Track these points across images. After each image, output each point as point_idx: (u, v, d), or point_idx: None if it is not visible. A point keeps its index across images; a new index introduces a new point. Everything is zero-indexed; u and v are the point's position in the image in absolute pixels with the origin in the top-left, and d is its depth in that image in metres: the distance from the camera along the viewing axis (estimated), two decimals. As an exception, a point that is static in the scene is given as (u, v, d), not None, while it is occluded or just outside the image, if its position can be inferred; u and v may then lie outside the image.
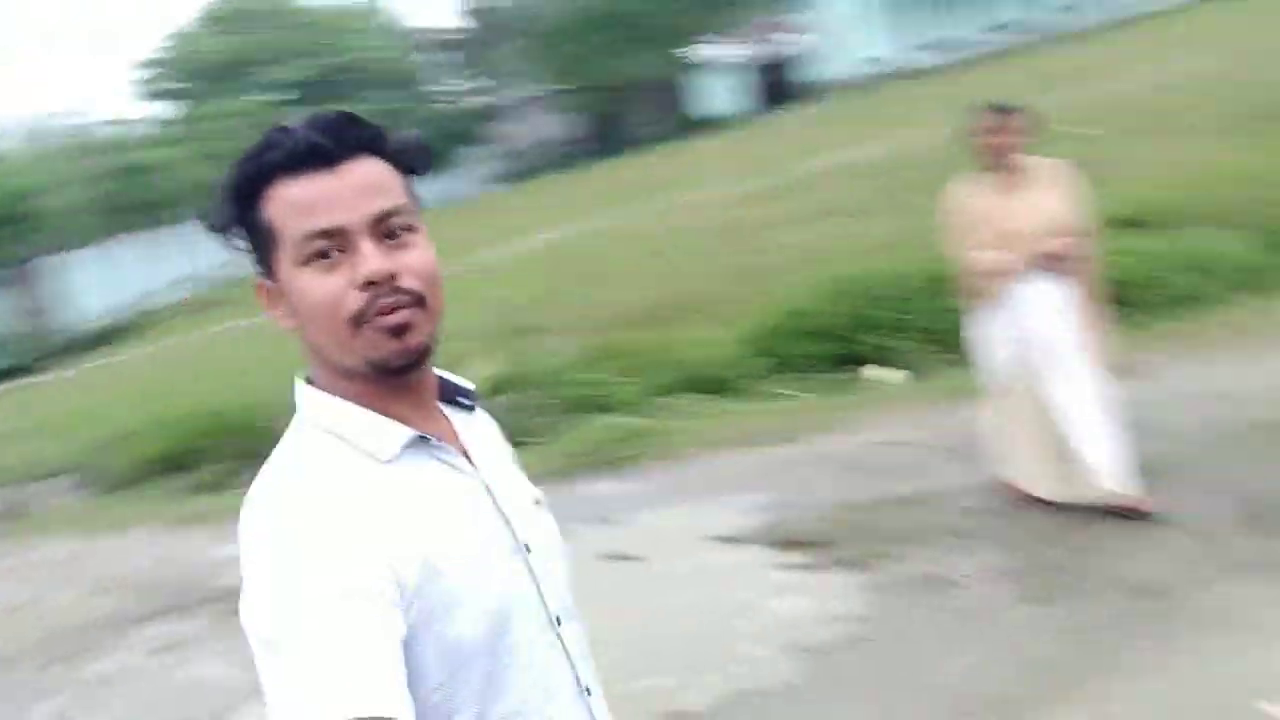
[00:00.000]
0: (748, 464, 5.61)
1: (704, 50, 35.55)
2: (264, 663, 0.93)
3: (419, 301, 1.06)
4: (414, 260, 1.06)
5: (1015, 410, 4.04)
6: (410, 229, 1.08)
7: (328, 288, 1.03)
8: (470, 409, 1.24)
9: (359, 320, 1.03)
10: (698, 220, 13.08)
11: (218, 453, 8.43)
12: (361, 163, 1.05)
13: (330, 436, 1.07)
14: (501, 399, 7.10)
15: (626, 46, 32.68)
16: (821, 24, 33.37)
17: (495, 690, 1.07)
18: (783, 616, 3.88)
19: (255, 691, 0.97)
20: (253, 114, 33.01)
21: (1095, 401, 3.87)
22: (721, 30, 35.40)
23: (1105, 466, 3.81)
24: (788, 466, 5.42)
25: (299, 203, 1.03)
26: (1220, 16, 20.40)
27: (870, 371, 6.69)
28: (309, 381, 1.13)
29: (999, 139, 3.84)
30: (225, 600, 5.05)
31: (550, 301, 10.44)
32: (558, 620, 1.17)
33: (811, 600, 3.96)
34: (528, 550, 1.15)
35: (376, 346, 1.04)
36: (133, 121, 33.12)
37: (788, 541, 4.49)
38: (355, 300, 1.03)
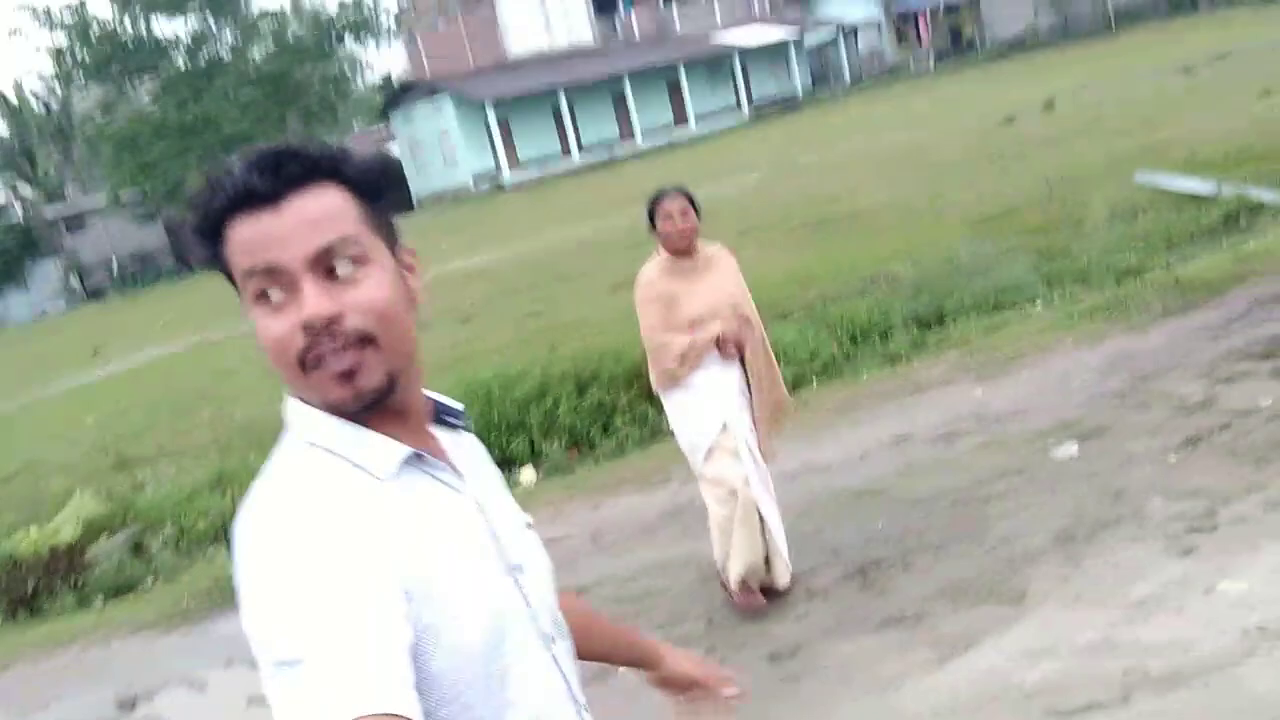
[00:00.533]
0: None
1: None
2: (270, 672, 0.90)
3: (366, 341, 1.01)
4: (361, 297, 1.01)
5: (716, 495, 4.02)
6: (360, 261, 1.02)
7: (274, 329, 1.00)
8: (457, 428, 1.21)
9: (303, 363, 1.00)
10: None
11: None
12: (308, 196, 1.01)
13: (325, 453, 1.03)
14: (95, 544, 6.29)
15: (219, 151, 31.22)
16: (433, 136, 34.04)
17: (496, 707, 1.05)
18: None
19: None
20: None
21: (767, 484, 4.03)
22: (324, 137, 34.97)
23: (780, 550, 4.04)
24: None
25: (242, 243, 1.00)
26: (759, 140, 23.45)
27: (525, 474, 6.68)
28: (300, 399, 1.07)
29: (685, 223, 3.85)
30: None
31: (142, 431, 9.53)
32: (551, 639, 1.17)
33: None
34: (520, 570, 1.14)
35: (326, 391, 1.01)
36: None
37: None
38: (299, 342, 0.99)
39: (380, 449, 1.05)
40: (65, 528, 6.44)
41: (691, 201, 3.88)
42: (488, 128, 32.23)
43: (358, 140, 37.27)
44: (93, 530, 6.50)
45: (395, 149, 36.23)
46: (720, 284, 3.94)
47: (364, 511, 0.99)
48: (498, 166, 32.57)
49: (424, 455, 1.08)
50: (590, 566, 4.90)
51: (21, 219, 34.23)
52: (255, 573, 0.94)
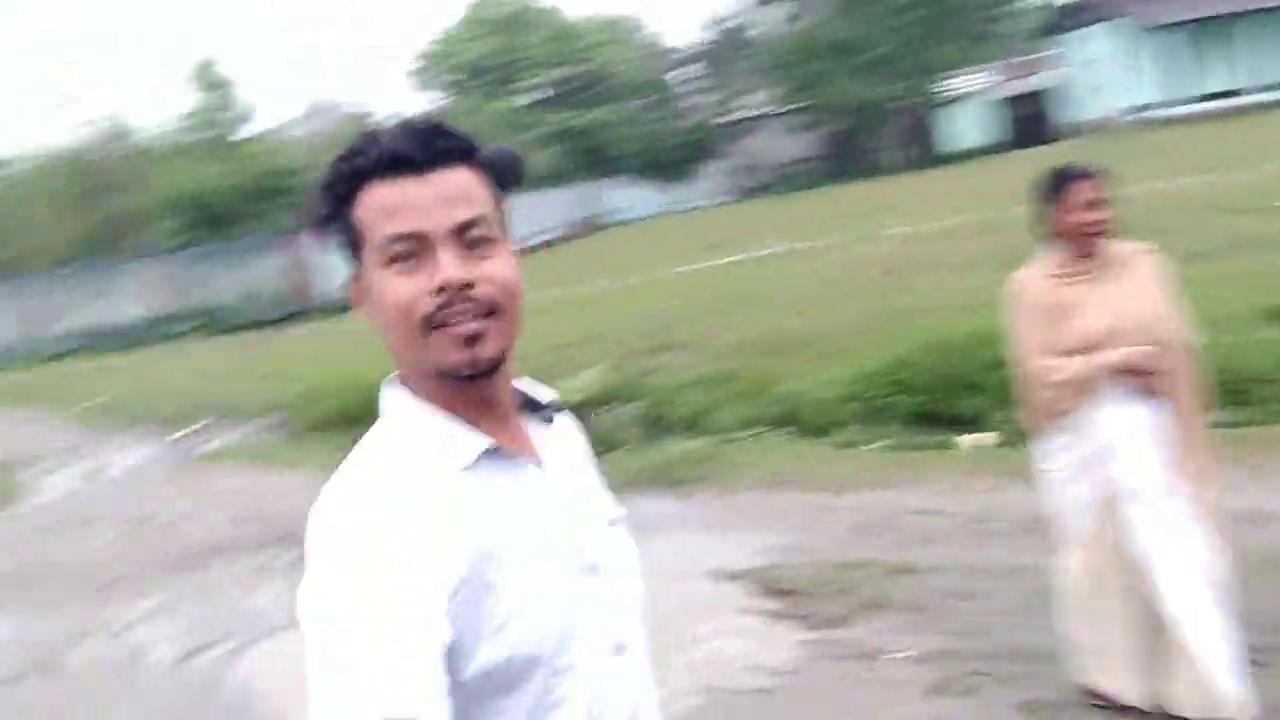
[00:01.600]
0: (786, 505, 5.75)
1: (957, 82, 34.66)
2: (310, 651, 0.94)
3: (492, 311, 1.07)
4: (492, 270, 1.07)
5: (1095, 576, 3.09)
6: (491, 240, 1.09)
7: (404, 290, 1.05)
8: (550, 421, 1.22)
9: (429, 324, 1.05)
10: (876, 253, 13.05)
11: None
12: (450, 172, 1.07)
13: (409, 439, 1.09)
14: (601, 409, 7.56)
15: (868, 72, 32.41)
16: (1082, 65, 31.74)
17: (545, 709, 1.05)
18: (718, 656, 4.08)
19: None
20: (504, 116, 35.33)
21: (1201, 572, 2.96)
22: (976, 64, 34.40)
23: (1213, 669, 2.90)
24: (819, 514, 5.53)
25: (385, 206, 1.05)
26: None
27: (967, 437, 6.58)
28: (396, 381, 1.15)
29: (1098, 215, 3.01)
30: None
31: (694, 321, 10.80)
32: (619, 648, 1.14)
33: (753, 645, 4.12)
34: (595, 571, 1.13)
35: (445, 353, 1.05)
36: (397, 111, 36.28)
37: (773, 588, 4.64)
38: (428, 304, 1.04)
39: (461, 439, 1.08)
40: (579, 390, 7.84)
41: (1105, 186, 3.04)
42: (1148, 56, 28.96)
43: (1011, 69, 35.82)
44: (602, 398, 7.82)
45: (1048, 78, 34.31)
46: (1132, 295, 3.02)
47: (430, 504, 1.02)
48: (1150, 100, 29.15)
49: (502, 449, 1.10)
50: (948, 547, 4.78)
51: (698, 124, 39.26)
52: (316, 554, 0.99)
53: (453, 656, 0.96)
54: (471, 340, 1.05)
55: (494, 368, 1.08)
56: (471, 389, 1.09)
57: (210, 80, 30.32)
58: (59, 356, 21.50)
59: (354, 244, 1.09)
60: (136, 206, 25.72)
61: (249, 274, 23.05)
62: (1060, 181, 3.05)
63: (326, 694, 0.90)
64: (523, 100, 37.87)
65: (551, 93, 38.22)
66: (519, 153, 1.18)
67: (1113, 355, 2.96)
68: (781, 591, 4.59)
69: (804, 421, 7.19)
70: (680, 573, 4.98)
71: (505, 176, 1.14)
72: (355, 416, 9.48)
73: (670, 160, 37.34)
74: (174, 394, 12.79)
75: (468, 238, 1.06)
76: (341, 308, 22.58)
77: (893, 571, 4.61)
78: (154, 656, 4.91)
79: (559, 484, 1.15)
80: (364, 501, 1.01)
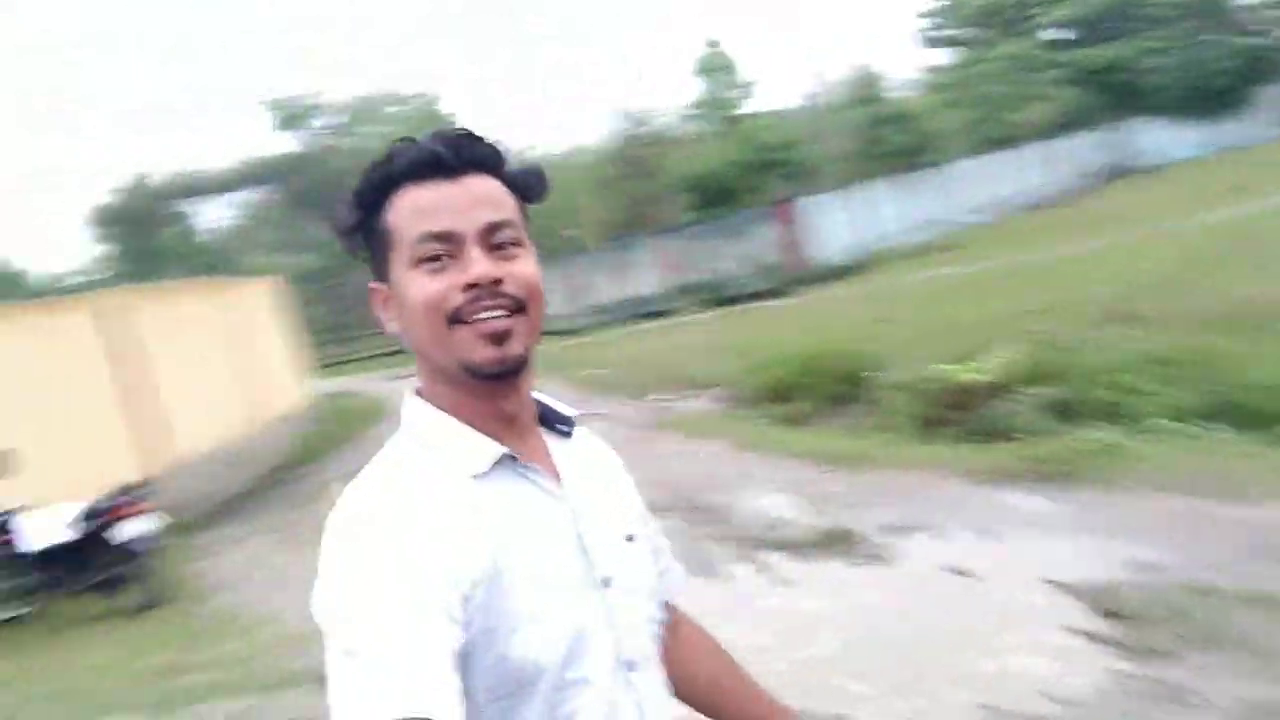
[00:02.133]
0: (1173, 512, 5.01)
1: None
2: (328, 652, 0.95)
3: (520, 309, 1.09)
4: (519, 270, 1.10)
5: None
6: (518, 243, 1.12)
7: (433, 287, 1.07)
8: (568, 436, 1.24)
9: (457, 318, 1.07)
10: None
11: (811, 391, 9.70)
12: (479, 178, 1.11)
13: (423, 447, 1.10)
14: (1005, 393, 7.09)
15: None
16: None
17: None
18: (1011, 673, 3.79)
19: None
20: (1024, 57, 33.11)
21: None
22: None
23: None
24: (1209, 526, 4.76)
25: (418, 207, 1.08)
26: None
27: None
28: (417, 393, 1.17)
29: None
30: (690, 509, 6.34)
31: (1169, 285, 9.50)
32: (631, 664, 1.14)
33: (1055, 668, 3.76)
34: (608, 585, 1.13)
35: (472, 349, 1.07)
36: (907, 73, 35.73)
37: (1104, 607, 4.16)
38: (457, 299, 1.06)
39: (476, 447, 1.09)
40: (986, 369, 7.39)
41: None
42: None
43: None
44: (1012, 380, 7.30)
45: None
46: None
47: (441, 514, 1.03)
48: None
49: (517, 457, 1.11)
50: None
51: (1256, 44, 33.42)
52: (332, 556, 1.00)
53: (463, 661, 0.98)
54: (500, 337, 1.07)
55: (520, 366, 1.10)
56: (493, 396, 1.11)
57: (714, 64, 32.55)
58: (586, 329, 24.89)
59: (382, 249, 1.12)
60: (657, 189, 28.59)
61: (747, 245, 24.56)
62: None
63: (342, 693, 0.91)
64: (1039, 39, 35.27)
65: (1073, 31, 35.08)
66: (542, 168, 1.19)
67: None
68: (1111, 612, 4.10)
69: (1245, 414, 6.12)
70: (1010, 577, 4.66)
71: (530, 190, 1.17)
72: (787, 390, 9.93)
73: (1216, 90, 32.33)
74: (656, 364, 14.25)
75: (496, 239, 1.09)
76: (832, 274, 23.47)
77: (1247, 601, 3.88)
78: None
79: (574, 497, 1.15)
80: (378, 506, 1.03)
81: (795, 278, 23.31)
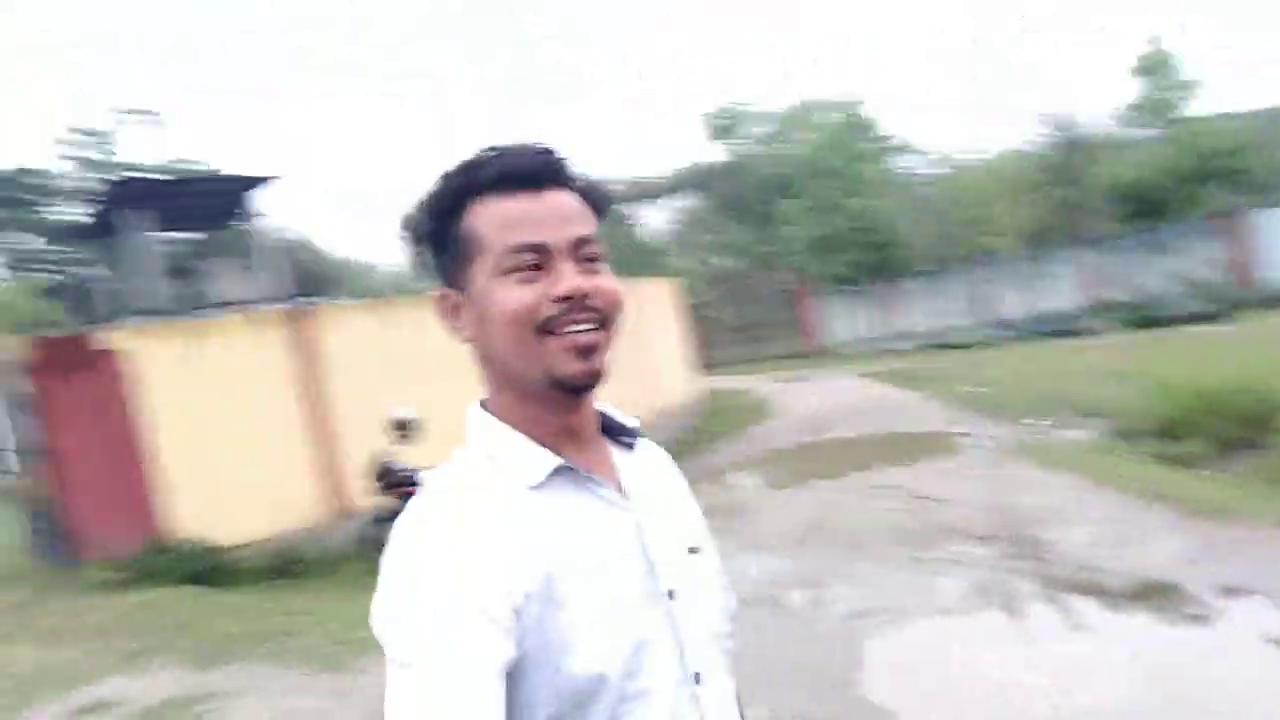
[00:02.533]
0: None
1: None
2: (389, 666, 0.98)
3: (605, 323, 1.10)
4: (604, 285, 1.11)
5: None
6: (602, 258, 1.13)
7: (523, 297, 1.07)
8: (630, 447, 1.23)
9: (547, 329, 1.07)
10: None
11: (1206, 430, 8.80)
12: (560, 192, 1.12)
13: (485, 458, 1.10)
14: None
15: None
16: None
17: None
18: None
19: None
20: None
21: None
22: None
23: None
24: None
25: (509, 218, 1.08)
26: None
27: None
28: (482, 405, 1.17)
29: None
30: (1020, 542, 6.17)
31: None
32: (696, 677, 1.13)
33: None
34: (670, 597, 1.12)
35: (560, 361, 1.07)
36: None
37: None
38: (549, 309, 1.07)
39: (533, 458, 1.09)
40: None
41: None
42: None
43: None
44: None
45: None
46: None
47: (498, 527, 1.03)
48: None
49: (576, 469, 1.11)
50: None
51: None
52: (390, 568, 1.02)
53: (519, 673, 0.99)
54: (588, 350, 1.08)
55: (598, 381, 1.11)
56: (561, 409, 1.12)
57: (1154, 63, 29.38)
58: (986, 342, 23.78)
59: (460, 257, 1.12)
60: (1082, 197, 26.58)
61: (1179, 262, 22.10)
62: None
63: (394, 704, 0.95)
64: None
65: None
66: (606, 186, 1.20)
67: None
68: None
69: None
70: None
71: (600, 206, 1.17)
72: (1178, 428, 9.02)
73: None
74: (1046, 386, 13.47)
75: (583, 253, 1.11)
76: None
77: None
78: (823, 610, 5.87)
79: (638, 508, 1.15)
80: (433, 519, 1.04)
81: (1237, 300, 20.60)
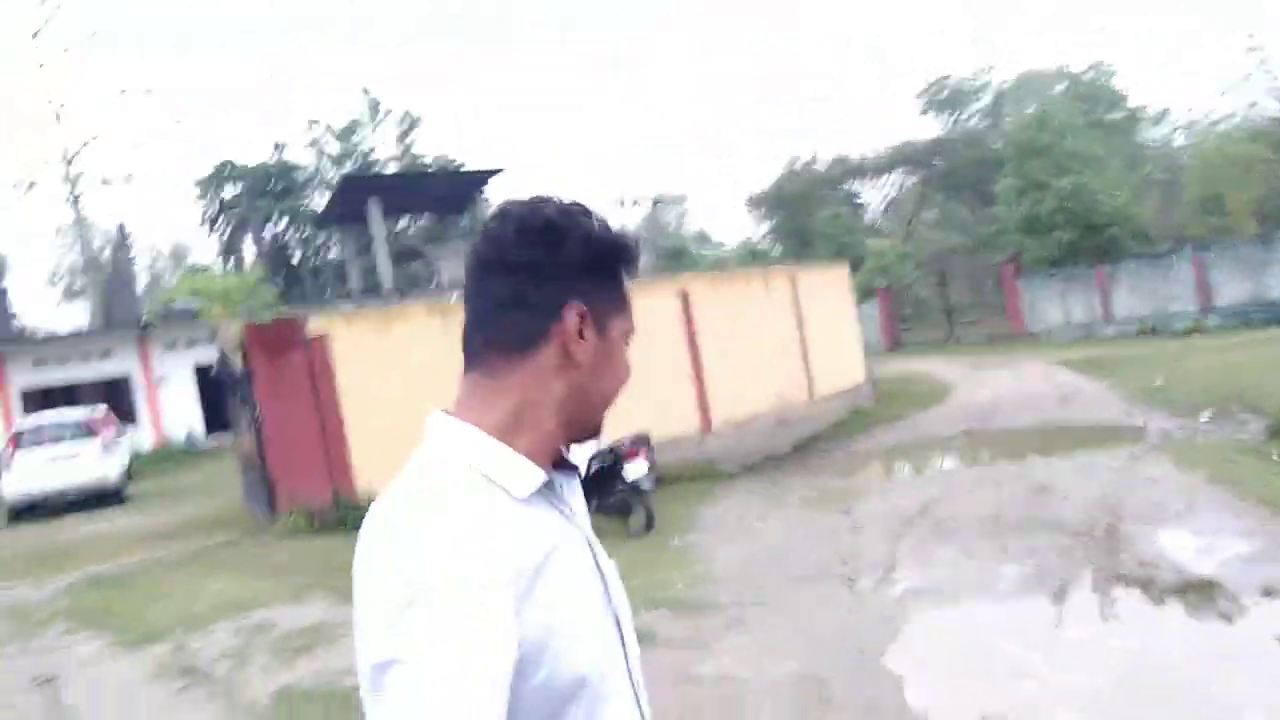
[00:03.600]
0: None
1: None
2: (368, 675, 0.96)
3: None
4: None
5: None
6: None
7: (629, 366, 1.25)
8: (574, 471, 1.29)
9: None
10: None
11: None
12: None
13: (468, 468, 1.11)
14: None
15: None
16: None
17: None
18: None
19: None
20: None
21: None
22: None
23: None
24: None
25: (633, 302, 1.26)
26: None
27: None
28: (447, 414, 1.19)
29: None
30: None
31: None
32: (638, 686, 1.20)
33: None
34: (618, 620, 1.19)
35: (606, 414, 1.25)
36: None
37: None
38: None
39: (522, 471, 1.13)
40: None
41: None
42: None
43: None
44: None
45: None
46: None
47: (496, 528, 1.05)
48: None
49: (555, 484, 1.17)
50: None
51: None
52: (388, 573, 1.00)
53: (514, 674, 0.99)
54: None
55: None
56: (565, 446, 1.23)
57: None
58: (1192, 330, 22.30)
59: (612, 303, 1.21)
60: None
61: None
62: None
63: (400, 708, 0.92)
64: None
65: None
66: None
67: None
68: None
69: None
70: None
71: None
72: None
73: None
74: (1234, 382, 12.81)
75: None
76: None
77: None
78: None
79: (584, 528, 1.22)
80: (430, 524, 1.03)
81: None
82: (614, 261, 1.20)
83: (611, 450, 9.03)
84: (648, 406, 11.98)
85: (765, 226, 57.17)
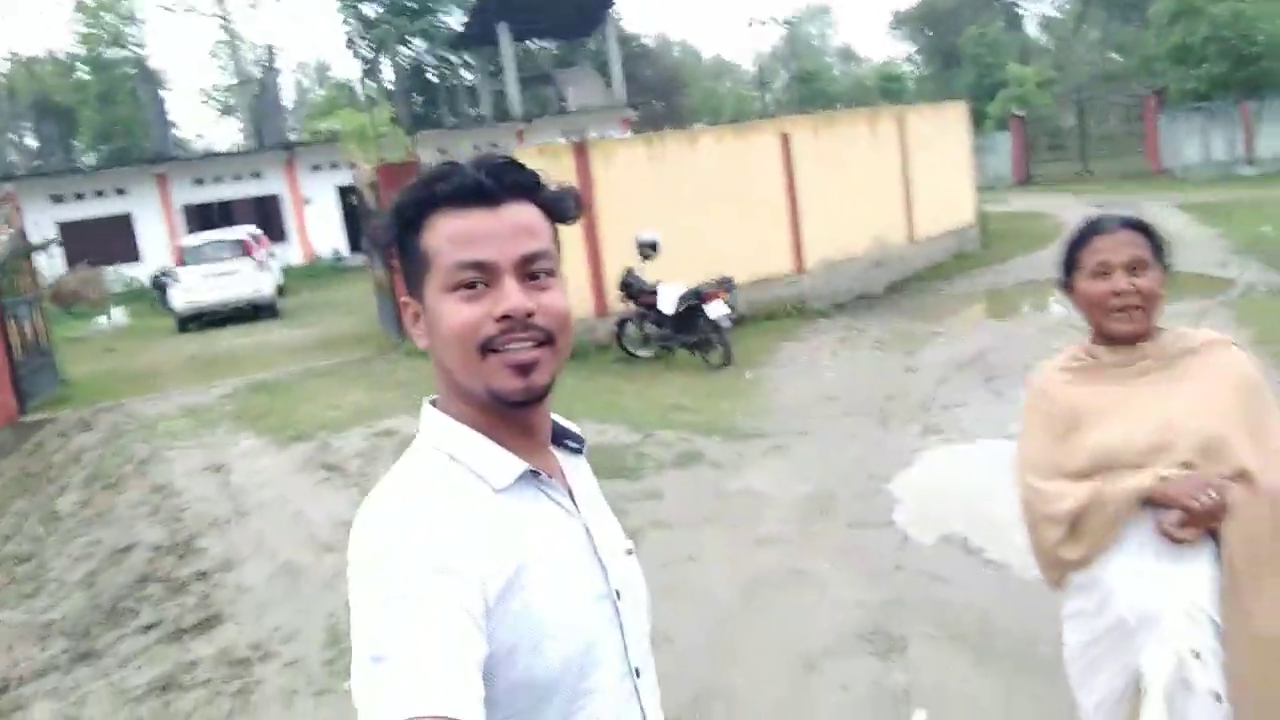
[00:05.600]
0: None
1: None
2: (359, 662, 0.96)
3: (549, 341, 1.13)
4: (551, 302, 1.13)
5: None
6: (551, 273, 1.15)
7: (466, 315, 1.10)
8: (578, 452, 1.28)
9: (488, 348, 1.10)
10: None
11: None
12: (519, 206, 1.14)
13: (448, 459, 1.13)
14: None
15: None
16: None
17: None
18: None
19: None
20: None
21: None
22: None
23: None
24: None
25: (458, 234, 1.11)
26: None
27: None
28: (434, 404, 1.20)
29: (1136, 283, 2.10)
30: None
31: None
32: (637, 672, 1.19)
33: None
34: (618, 597, 1.18)
35: (500, 378, 1.11)
36: None
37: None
38: (490, 329, 1.10)
39: (500, 462, 1.13)
40: None
41: (1154, 243, 2.14)
42: None
43: None
44: None
45: None
46: (1197, 397, 2.06)
47: (469, 524, 1.05)
48: None
49: (540, 473, 1.15)
50: None
51: None
52: (363, 567, 1.03)
53: (485, 672, 0.99)
54: (526, 368, 1.11)
55: (543, 395, 1.15)
56: (514, 415, 1.15)
57: None
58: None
59: (417, 269, 1.15)
60: None
61: None
62: (1083, 237, 2.17)
63: (371, 695, 0.93)
64: None
65: None
66: (577, 192, 1.22)
67: (1144, 479, 2.01)
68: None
69: None
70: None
71: (565, 213, 1.20)
72: None
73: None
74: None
75: (530, 269, 1.13)
76: None
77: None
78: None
79: (586, 512, 1.20)
80: (410, 513, 1.05)
81: None
82: (412, 220, 1.14)
83: (696, 292, 9.91)
84: (745, 246, 12.79)
85: (912, 46, 54.77)
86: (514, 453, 1.14)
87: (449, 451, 1.13)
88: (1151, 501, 2.00)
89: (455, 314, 1.10)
